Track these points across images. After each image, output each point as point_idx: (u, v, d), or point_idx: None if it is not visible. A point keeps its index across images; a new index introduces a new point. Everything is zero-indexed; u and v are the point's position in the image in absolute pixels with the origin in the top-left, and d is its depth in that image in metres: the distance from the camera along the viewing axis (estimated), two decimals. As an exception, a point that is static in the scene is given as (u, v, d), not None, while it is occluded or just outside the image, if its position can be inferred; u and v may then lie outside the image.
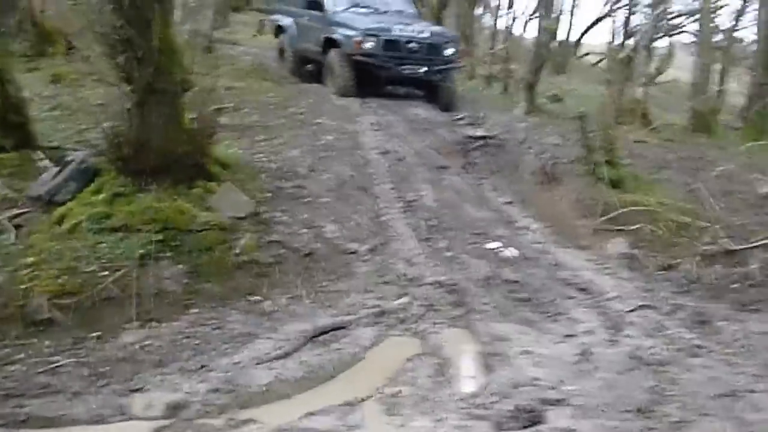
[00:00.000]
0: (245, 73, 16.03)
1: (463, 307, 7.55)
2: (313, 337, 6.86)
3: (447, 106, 15.31)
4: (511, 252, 9.04)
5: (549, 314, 7.69)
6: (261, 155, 10.20)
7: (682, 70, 23.34)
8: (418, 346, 6.82)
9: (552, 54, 25.82)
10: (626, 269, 9.24)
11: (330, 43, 15.30)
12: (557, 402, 5.61)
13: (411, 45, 14.89)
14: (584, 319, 7.64)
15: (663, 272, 9.19)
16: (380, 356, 6.67)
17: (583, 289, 8.42)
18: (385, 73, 14.98)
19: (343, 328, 7.07)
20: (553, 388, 5.89)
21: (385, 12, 16.32)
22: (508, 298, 7.88)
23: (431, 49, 15.10)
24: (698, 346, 7.01)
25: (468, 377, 6.23)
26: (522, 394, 5.78)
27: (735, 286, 8.78)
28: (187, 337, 6.73)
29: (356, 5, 16.05)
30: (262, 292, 7.51)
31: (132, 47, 7.86)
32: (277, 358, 6.42)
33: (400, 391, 5.87)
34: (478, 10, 25.46)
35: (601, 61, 32.00)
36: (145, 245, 7.46)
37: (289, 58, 17.46)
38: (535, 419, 5.28)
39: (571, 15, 32.78)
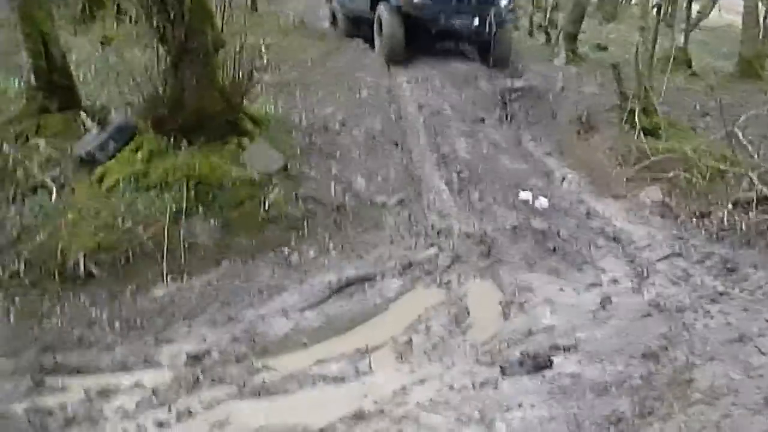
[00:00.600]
0: (289, 30, 16.10)
1: (491, 258, 7.62)
2: (339, 288, 7.01)
3: (502, 62, 14.50)
4: (542, 202, 9.05)
5: (576, 264, 7.74)
6: (296, 111, 10.31)
7: (738, 14, 22.87)
8: (442, 297, 6.93)
9: (600, 1, 25.53)
10: (659, 217, 9.24)
11: None
12: (566, 348, 5.69)
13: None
14: (611, 269, 7.69)
15: (696, 220, 9.15)
16: (403, 307, 6.80)
17: (613, 238, 8.45)
18: (435, 27, 14.00)
19: (369, 279, 7.21)
20: (565, 335, 5.97)
21: None
22: (536, 248, 7.91)
23: (484, 0, 14.04)
24: (720, 293, 7.02)
25: (483, 325, 6.34)
26: (533, 341, 5.89)
27: (770, 232, 8.69)
28: (217, 290, 6.94)
29: None
30: (290, 245, 7.66)
31: (165, 8, 8.00)
32: (302, 309, 6.58)
33: (411, 339, 6.00)
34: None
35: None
36: (179, 201, 7.66)
37: (342, 23, 16.51)
38: (542, 365, 5.37)
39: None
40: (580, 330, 6.09)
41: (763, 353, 5.51)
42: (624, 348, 5.70)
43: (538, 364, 5.36)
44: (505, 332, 6.09)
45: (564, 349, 5.67)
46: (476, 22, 13.95)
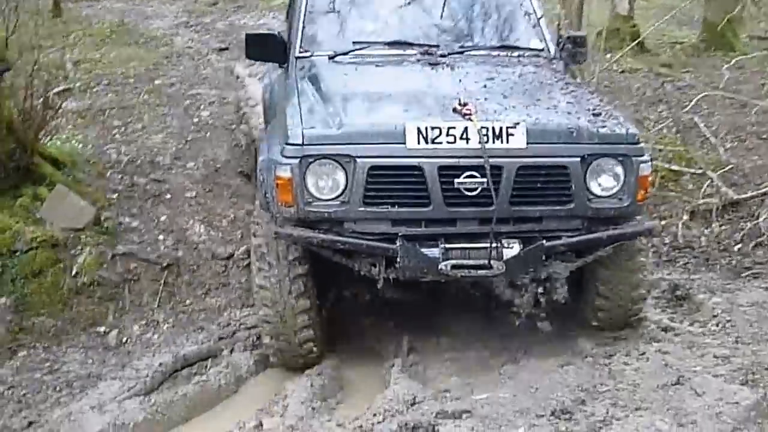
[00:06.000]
0: (104, 38, 16.39)
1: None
2: (174, 371, 7.35)
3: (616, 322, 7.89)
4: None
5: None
6: (112, 145, 10.59)
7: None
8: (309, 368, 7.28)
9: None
10: (594, 240, 9.75)
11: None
12: (457, 415, 6.10)
13: (471, 179, 6.73)
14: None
15: (645, 239, 9.67)
16: (258, 387, 7.17)
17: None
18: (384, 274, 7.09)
19: (214, 356, 7.54)
20: (457, 399, 6.40)
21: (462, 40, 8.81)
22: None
23: (542, 184, 6.93)
24: (664, 329, 7.56)
25: (358, 397, 6.75)
26: (417, 410, 6.28)
27: (736, 247, 9.31)
28: (12, 388, 7.19)
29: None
30: (107, 321, 7.96)
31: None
32: (122, 401, 6.88)
33: (261, 424, 6.37)
34: None
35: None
36: (-43, 278, 7.93)
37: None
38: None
39: None
40: (478, 391, 6.53)
41: (699, 395, 6.02)
42: (530, 407, 6.14)
43: (423, 435, 5.77)
44: (378, 404, 6.43)
45: (454, 416, 6.09)
46: (512, 252, 6.95)
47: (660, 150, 11.01)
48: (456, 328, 7.84)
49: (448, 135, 6.60)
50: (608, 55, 14.24)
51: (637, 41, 15.45)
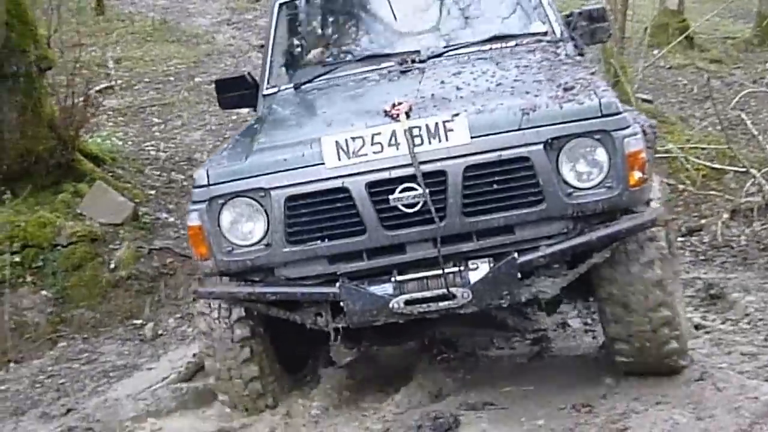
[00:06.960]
0: (147, 35, 16.74)
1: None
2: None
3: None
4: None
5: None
6: (152, 142, 10.96)
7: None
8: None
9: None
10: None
11: None
12: (480, 406, 6.42)
13: (409, 193, 5.81)
14: (560, 308, 8.44)
15: (683, 239, 9.91)
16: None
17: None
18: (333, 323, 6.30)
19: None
20: (481, 391, 6.70)
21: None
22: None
23: (500, 184, 5.86)
24: (696, 327, 7.80)
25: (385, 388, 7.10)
26: (441, 400, 6.61)
27: (777, 246, 9.47)
28: (52, 377, 7.60)
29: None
30: (143, 313, 8.34)
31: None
32: (156, 390, 7.24)
33: (288, 414, 6.71)
34: None
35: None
36: (1, 270, 8.31)
37: None
38: (445, 427, 6.09)
39: None
40: (503, 383, 6.85)
41: (719, 390, 6.30)
42: (552, 400, 6.43)
43: (440, 426, 6.08)
44: (406, 393, 6.77)
45: (476, 408, 6.40)
46: (478, 277, 5.92)
47: (703, 148, 11.18)
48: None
49: (373, 144, 5.70)
50: (655, 51, 14.39)
51: (683, 36, 15.50)
